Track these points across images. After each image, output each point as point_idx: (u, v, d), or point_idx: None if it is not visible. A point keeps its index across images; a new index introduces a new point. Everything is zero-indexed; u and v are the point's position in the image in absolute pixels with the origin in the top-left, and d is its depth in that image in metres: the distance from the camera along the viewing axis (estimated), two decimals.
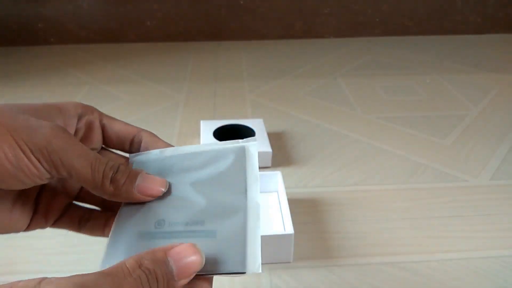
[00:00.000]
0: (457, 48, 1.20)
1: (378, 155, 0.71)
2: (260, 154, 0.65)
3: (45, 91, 0.96)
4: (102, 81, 1.01)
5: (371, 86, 0.97)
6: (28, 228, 0.30)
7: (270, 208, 0.56)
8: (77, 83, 1.00)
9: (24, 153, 0.24)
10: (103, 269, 0.21)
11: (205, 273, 0.24)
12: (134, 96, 0.93)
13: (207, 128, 0.71)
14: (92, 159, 0.26)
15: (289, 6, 1.24)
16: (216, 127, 0.72)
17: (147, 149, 0.31)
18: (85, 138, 0.30)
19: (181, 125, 0.81)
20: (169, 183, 0.28)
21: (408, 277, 0.48)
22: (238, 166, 0.29)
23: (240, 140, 0.30)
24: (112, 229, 0.27)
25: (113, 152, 0.32)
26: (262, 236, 0.26)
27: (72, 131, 0.29)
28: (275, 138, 0.75)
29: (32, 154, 0.24)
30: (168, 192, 0.28)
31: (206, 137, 0.69)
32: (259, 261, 0.24)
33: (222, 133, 0.72)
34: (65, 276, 0.20)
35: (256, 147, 0.30)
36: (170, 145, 0.31)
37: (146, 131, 0.32)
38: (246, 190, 0.27)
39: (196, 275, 0.24)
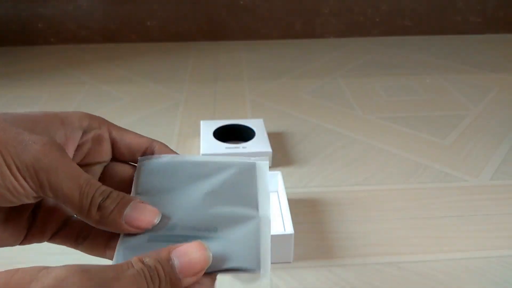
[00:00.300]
0: (457, 48, 1.20)
1: (378, 155, 0.71)
2: (260, 154, 0.65)
3: (45, 91, 0.96)
4: (102, 81, 1.01)
5: (371, 86, 0.97)
6: (24, 242, 0.29)
7: None
8: (77, 83, 1.00)
9: (10, 170, 0.23)
10: None
11: (213, 270, 0.24)
12: (134, 96, 0.93)
13: (207, 128, 0.71)
14: (83, 182, 0.24)
15: (289, 6, 1.24)
16: (216, 127, 0.72)
17: None
18: (92, 153, 0.29)
19: (181, 125, 0.81)
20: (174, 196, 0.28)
21: (408, 277, 0.48)
22: (250, 181, 0.29)
23: (252, 158, 0.31)
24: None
25: (120, 162, 0.31)
26: None
27: (74, 145, 0.28)
28: (275, 138, 0.75)
29: (19, 171, 0.23)
30: (180, 197, 0.28)
31: (206, 137, 0.69)
32: (269, 269, 0.24)
33: (222, 133, 0.72)
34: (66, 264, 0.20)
35: (267, 166, 0.30)
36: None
37: (158, 142, 0.30)
38: (257, 205, 0.28)
39: (205, 273, 0.23)
